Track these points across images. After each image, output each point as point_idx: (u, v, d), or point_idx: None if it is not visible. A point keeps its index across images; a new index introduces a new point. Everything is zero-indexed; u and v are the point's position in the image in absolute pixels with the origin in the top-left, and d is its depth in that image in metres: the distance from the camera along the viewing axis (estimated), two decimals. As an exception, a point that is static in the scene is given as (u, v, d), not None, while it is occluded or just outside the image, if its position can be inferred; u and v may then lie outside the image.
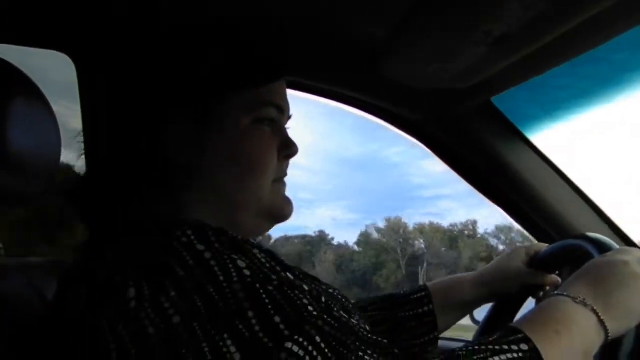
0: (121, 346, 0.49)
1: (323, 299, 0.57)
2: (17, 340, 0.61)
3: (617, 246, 0.77)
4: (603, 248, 0.77)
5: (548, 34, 0.80)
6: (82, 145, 0.74)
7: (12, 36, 0.95)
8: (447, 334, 1.04)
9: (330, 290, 0.74)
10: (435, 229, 38.89)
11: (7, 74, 0.69)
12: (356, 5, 0.85)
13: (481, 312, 1.05)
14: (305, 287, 0.56)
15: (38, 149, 0.70)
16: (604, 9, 0.73)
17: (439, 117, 1.24)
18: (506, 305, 1.00)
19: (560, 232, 1.27)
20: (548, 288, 0.96)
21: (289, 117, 0.75)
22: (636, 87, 1.11)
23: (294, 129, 0.75)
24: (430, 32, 0.88)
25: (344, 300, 0.75)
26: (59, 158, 0.75)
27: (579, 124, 1.29)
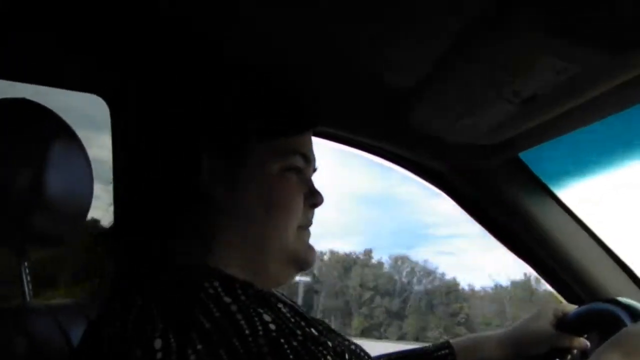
0: None
1: (347, 356, 0.57)
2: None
3: None
4: (636, 315, 0.75)
5: (578, 97, 0.79)
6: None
7: (48, 78, 0.98)
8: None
9: (353, 347, 0.73)
10: (335, 258, 37.78)
11: (44, 118, 0.71)
12: (387, 55, 0.86)
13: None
14: (329, 344, 0.56)
15: (71, 192, 0.72)
16: (636, 74, 0.73)
17: (464, 169, 1.23)
18: None
19: (589, 292, 1.23)
20: (575, 351, 0.93)
21: (315, 170, 0.76)
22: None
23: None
24: (460, 86, 0.88)
25: (366, 357, 0.74)
26: (91, 200, 0.77)
27: (608, 180, 1.26)
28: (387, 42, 0.81)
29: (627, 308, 0.77)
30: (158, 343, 0.50)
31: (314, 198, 0.73)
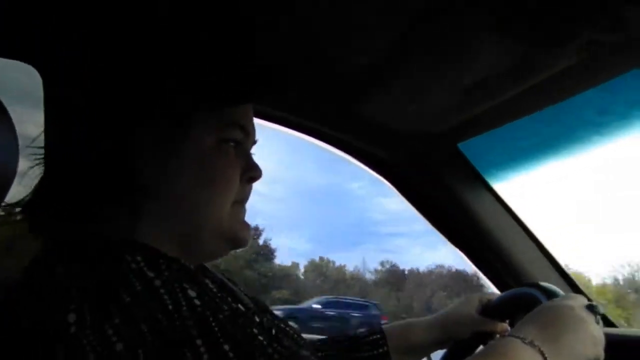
0: None
1: (273, 331, 0.57)
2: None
3: (563, 293, 0.81)
4: (550, 295, 0.81)
5: (518, 86, 0.83)
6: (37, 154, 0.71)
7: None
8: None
9: (282, 325, 0.73)
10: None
11: None
12: (338, 42, 0.86)
13: (438, 355, 1.06)
14: (257, 319, 0.56)
15: None
16: (575, 63, 0.77)
17: (406, 157, 1.26)
18: (459, 350, 1.01)
19: (516, 278, 1.30)
20: (498, 335, 0.98)
21: (255, 142, 0.74)
22: (610, 137, 1.15)
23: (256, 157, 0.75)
24: (407, 76, 0.90)
25: (295, 335, 0.74)
26: (15, 171, 0.72)
27: (540, 174, 1.33)
28: (336, 31, 0.81)
29: (543, 289, 0.84)
30: (72, 317, 0.47)
31: (251, 172, 0.71)
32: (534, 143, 1.18)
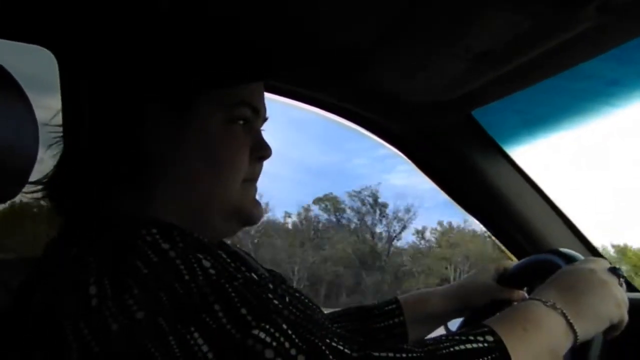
0: (83, 344, 0.48)
1: (287, 299, 0.58)
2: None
3: (582, 257, 0.79)
4: (569, 259, 0.79)
5: (530, 52, 0.81)
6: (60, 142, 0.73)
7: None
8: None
9: (297, 294, 0.74)
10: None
11: None
12: (343, 13, 0.86)
13: (455, 325, 1.06)
14: (270, 286, 0.58)
15: (14, 144, 0.69)
16: (588, 27, 0.75)
17: (420, 128, 1.25)
18: (476, 318, 1.01)
19: (534, 246, 1.29)
20: (515, 304, 0.98)
21: (265, 120, 0.74)
22: (617, 106, 1.13)
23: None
24: (415, 44, 0.89)
25: (310, 303, 0.75)
26: (36, 154, 0.74)
27: (557, 140, 1.31)
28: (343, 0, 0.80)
29: (563, 255, 0.82)
30: (93, 289, 0.49)
31: (261, 150, 0.71)
32: (549, 110, 1.17)
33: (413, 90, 1.06)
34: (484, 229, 1.39)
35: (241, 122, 0.68)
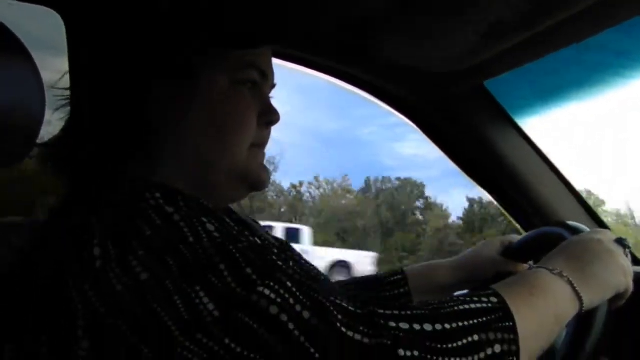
0: (88, 305, 0.49)
1: (291, 263, 0.58)
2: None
3: (588, 229, 0.80)
4: (576, 232, 0.80)
5: (543, 22, 0.79)
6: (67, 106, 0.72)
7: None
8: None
9: (303, 261, 0.75)
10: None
11: None
12: None
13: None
14: (275, 251, 0.58)
15: (19, 105, 0.69)
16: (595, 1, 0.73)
17: (431, 97, 1.23)
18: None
19: (542, 218, 1.29)
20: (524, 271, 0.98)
21: (273, 86, 0.74)
22: (629, 79, 1.11)
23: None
24: (427, 13, 0.87)
25: (315, 271, 0.76)
26: (43, 116, 0.74)
27: (570, 113, 1.29)
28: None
29: (569, 227, 0.82)
30: (97, 251, 0.50)
31: (269, 115, 0.70)
32: (561, 82, 1.15)
33: (425, 60, 1.04)
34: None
35: (248, 85, 0.67)
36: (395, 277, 0.98)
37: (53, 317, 0.51)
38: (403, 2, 0.86)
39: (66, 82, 0.79)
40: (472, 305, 0.56)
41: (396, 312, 0.53)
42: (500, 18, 0.81)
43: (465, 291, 1.04)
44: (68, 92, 0.74)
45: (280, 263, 0.54)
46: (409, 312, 0.53)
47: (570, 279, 0.62)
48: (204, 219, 0.53)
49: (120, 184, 0.59)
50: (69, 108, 0.71)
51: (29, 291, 0.54)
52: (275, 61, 0.75)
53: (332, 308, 0.51)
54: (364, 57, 1.14)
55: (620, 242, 0.71)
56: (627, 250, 0.71)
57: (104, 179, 0.61)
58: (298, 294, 0.50)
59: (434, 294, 0.99)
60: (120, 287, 0.48)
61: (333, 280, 1.00)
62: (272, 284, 0.50)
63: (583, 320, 0.66)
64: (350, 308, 0.52)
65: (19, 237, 0.72)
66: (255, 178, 0.69)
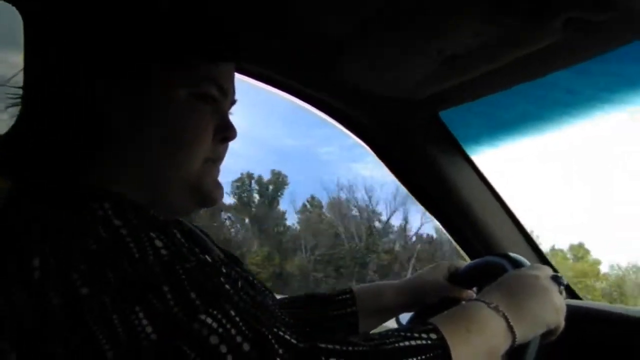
0: (16, 315, 0.47)
1: (240, 284, 0.58)
2: None
3: (529, 263, 0.83)
4: (517, 264, 0.84)
5: (498, 59, 0.83)
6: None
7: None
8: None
9: (251, 278, 0.74)
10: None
11: None
12: (320, 4, 0.86)
13: (406, 318, 1.09)
14: (223, 270, 0.57)
15: None
16: (554, 42, 0.77)
17: (387, 122, 1.26)
18: (426, 314, 1.03)
19: (487, 247, 1.33)
20: (464, 302, 1.01)
21: (234, 102, 0.73)
22: (575, 117, 1.17)
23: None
24: (388, 41, 0.90)
25: (263, 288, 0.76)
26: None
27: (518, 147, 1.35)
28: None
29: (511, 259, 0.86)
30: (36, 262, 0.48)
31: (226, 131, 0.70)
32: (513, 117, 1.20)
33: (383, 86, 1.07)
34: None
35: (207, 99, 0.67)
36: (344, 296, 0.99)
37: None
38: (365, 26, 0.88)
39: (19, 80, 0.76)
40: (412, 342, 0.56)
41: (337, 348, 0.52)
42: (457, 52, 0.84)
43: (411, 313, 1.06)
44: (20, 90, 0.72)
45: (227, 287, 0.53)
46: (350, 348, 0.53)
47: (506, 313, 0.64)
48: (153, 234, 0.52)
49: (67, 190, 0.57)
50: (19, 107, 0.69)
51: None
52: (237, 76, 0.75)
53: (273, 341, 0.50)
54: (322, 78, 1.15)
55: (556, 279, 0.74)
56: (561, 287, 0.74)
57: (50, 182, 0.59)
58: (241, 324, 0.49)
59: (380, 315, 1.01)
60: (57, 300, 0.47)
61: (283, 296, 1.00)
62: (215, 312, 0.49)
63: (515, 353, 0.68)
64: (292, 341, 0.51)
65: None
66: (207, 193, 0.69)
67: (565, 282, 0.76)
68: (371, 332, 1.00)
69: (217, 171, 0.72)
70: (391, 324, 1.09)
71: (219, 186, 0.71)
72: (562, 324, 0.71)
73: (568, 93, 1.05)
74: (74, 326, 0.47)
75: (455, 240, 1.41)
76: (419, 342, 0.57)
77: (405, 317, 1.09)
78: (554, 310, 0.70)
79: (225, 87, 0.69)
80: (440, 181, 1.31)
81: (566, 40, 0.78)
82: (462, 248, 1.40)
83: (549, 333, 0.71)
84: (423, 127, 1.24)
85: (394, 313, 1.04)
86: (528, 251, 1.34)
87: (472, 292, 1.01)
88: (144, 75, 0.64)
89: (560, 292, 0.73)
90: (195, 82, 0.66)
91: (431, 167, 1.29)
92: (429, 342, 0.57)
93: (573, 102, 1.07)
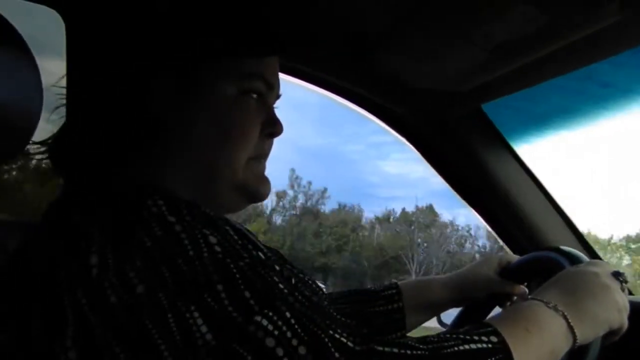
0: (80, 314, 0.47)
1: (293, 281, 0.57)
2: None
3: (587, 259, 0.79)
4: (574, 260, 0.79)
5: (546, 46, 0.80)
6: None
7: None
8: (412, 334, 1.04)
9: (301, 275, 0.73)
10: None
11: None
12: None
13: (449, 316, 1.06)
14: (277, 267, 0.57)
15: (18, 101, 0.68)
16: (603, 27, 0.74)
17: (428, 117, 1.24)
18: (474, 310, 1.00)
19: (533, 242, 1.29)
20: (515, 298, 0.97)
21: (278, 97, 0.73)
22: (621, 110, 1.13)
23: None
24: (430, 30, 0.88)
25: (314, 285, 0.75)
26: (40, 113, 0.73)
27: (564, 139, 1.30)
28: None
29: (566, 254, 0.81)
30: (94, 259, 0.48)
31: (272, 127, 0.70)
32: (557, 108, 1.16)
33: (424, 77, 1.05)
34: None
35: (254, 95, 0.67)
36: (389, 292, 0.97)
37: (44, 323, 0.49)
38: (407, 19, 0.86)
39: (63, 83, 0.78)
40: (473, 346, 0.54)
41: (395, 351, 0.51)
42: (504, 40, 0.81)
43: (451, 312, 1.03)
44: (64, 93, 0.73)
45: (281, 286, 0.52)
46: (408, 352, 0.51)
47: (565, 313, 0.62)
48: (207, 231, 0.52)
49: (120, 188, 0.57)
50: (64, 109, 0.70)
51: (20, 294, 0.52)
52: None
53: (330, 344, 0.49)
54: (363, 73, 1.14)
55: (617, 275, 0.70)
56: (623, 284, 0.70)
57: (103, 181, 0.60)
58: (296, 326, 0.49)
59: (427, 310, 0.98)
60: (115, 299, 0.47)
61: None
62: (270, 313, 0.48)
63: (575, 355, 0.65)
64: (348, 344, 0.50)
65: (8, 236, 0.71)
66: (254, 189, 0.69)
67: (626, 279, 0.71)
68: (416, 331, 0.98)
69: (263, 167, 0.72)
70: (431, 323, 1.07)
71: (266, 181, 0.71)
72: (626, 323, 0.68)
73: (603, 86, 1.00)
74: (130, 325, 0.47)
75: (499, 235, 1.37)
76: (479, 345, 0.55)
77: (446, 315, 1.06)
78: (616, 309, 0.66)
79: (271, 82, 0.69)
80: (483, 175, 1.27)
81: (619, 24, 0.74)
82: (506, 243, 1.36)
83: (611, 334, 0.67)
84: (465, 119, 1.21)
85: (442, 308, 1.02)
86: (577, 246, 1.29)
87: (524, 288, 0.97)
88: (194, 73, 0.64)
89: (622, 290, 0.69)
90: (244, 78, 0.66)
91: (473, 160, 1.26)
92: (490, 345, 0.55)
93: (607, 95, 1.03)
